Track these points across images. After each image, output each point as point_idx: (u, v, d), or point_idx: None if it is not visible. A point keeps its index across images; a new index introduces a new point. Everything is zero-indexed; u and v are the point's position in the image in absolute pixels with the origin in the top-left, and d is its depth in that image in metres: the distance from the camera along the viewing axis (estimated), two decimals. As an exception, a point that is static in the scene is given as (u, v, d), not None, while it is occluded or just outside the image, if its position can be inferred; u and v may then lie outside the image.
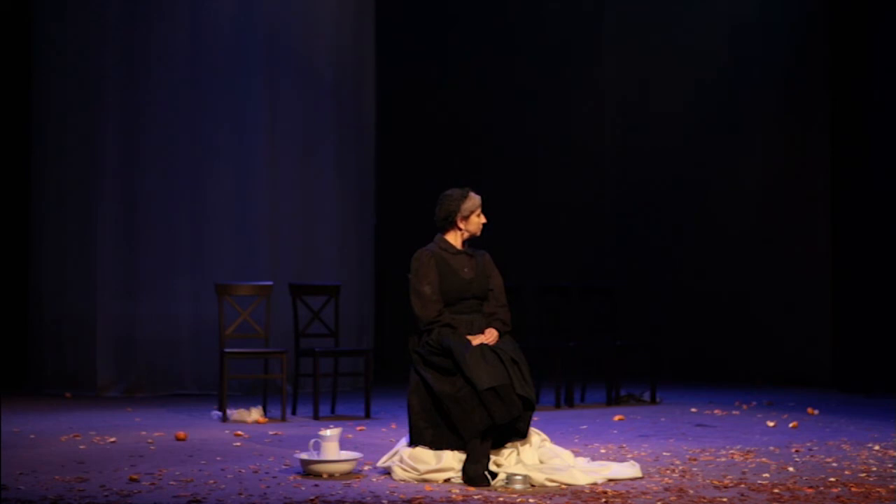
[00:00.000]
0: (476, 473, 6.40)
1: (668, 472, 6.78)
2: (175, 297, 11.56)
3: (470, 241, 7.01)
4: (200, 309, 11.40)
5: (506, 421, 6.47)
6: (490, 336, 6.71)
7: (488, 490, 6.24)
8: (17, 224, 11.96)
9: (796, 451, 7.63)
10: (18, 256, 11.92)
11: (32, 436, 8.28)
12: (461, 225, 6.92)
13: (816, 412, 9.97)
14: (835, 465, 7.06)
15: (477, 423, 6.45)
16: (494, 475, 6.42)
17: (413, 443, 6.62)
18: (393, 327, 12.70)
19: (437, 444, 6.57)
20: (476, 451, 6.45)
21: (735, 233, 13.41)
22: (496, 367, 6.47)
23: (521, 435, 6.65)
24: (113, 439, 8.09)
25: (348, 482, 6.44)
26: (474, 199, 6.93)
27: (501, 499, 5.99)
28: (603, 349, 10.94)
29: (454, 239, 6.94)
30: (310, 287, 10.40)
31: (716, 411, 10.12)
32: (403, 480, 6.48)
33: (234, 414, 9.48)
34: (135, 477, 6.50)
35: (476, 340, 6.65)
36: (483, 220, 6.96)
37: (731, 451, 7.61)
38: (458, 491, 6.18)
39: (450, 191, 6.96)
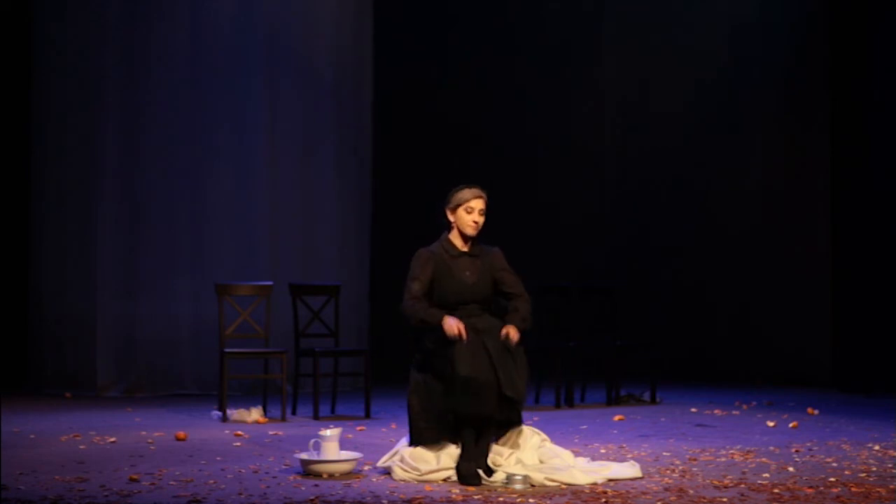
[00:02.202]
0: (469, 472, 6.40)
1: (668, 472, 6.78)
2: (175, 297, 11.56)
3: (479, 239, 6.81)
4: (200, 309, 11.40)
5: (468, 413, 6.40)
6: (513, 334, 6.55)
7: (488, 490, 6.24)
8: (17, 224, 11.95)
9: (796, 451, 7.64)
10: (18, 256, 11.92)
11: (32, 436, 8.28)
12: (451, 218, 6.77)
13: (816, 412, 9.97)
14: (835, 465, 7.06)
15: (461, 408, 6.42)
16: (492, 471, 6.42)
17: (413, 443, 6.62)
18: (393, 327, 12.69)
19: (437, 440, 6.56)
20: (470, 449, 6.46)
21: (735, 233, 13.41)
22: (481, 362, 6.42)
23: (511, 424, 6.62)
24: (113, 439, 8.09)
25: (348, 482, 6.44)
26: (464, 193, 6.74)
27: (501, 499, 5.99)
28: (603, 349, 10.94)
29: (457, 238, 6.80)
30: (310, 287, 10.40)
31: (716, 411, 10.12)
32: (403, 480, 6.48)
33: (234, 414, 9.48)
34: (135, 477, 6.51)
35: (450, 331, 6.47)
36: (473, 216, 6.72)
37: (731, 451, 7.61)
38: (458, 491, 6.18)
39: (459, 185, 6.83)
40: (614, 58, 14.22)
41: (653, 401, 10.88)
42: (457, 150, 13.71)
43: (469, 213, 6.74)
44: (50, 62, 11.73)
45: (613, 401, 10.81)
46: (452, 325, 6.48)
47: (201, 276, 11.42)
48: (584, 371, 10.94)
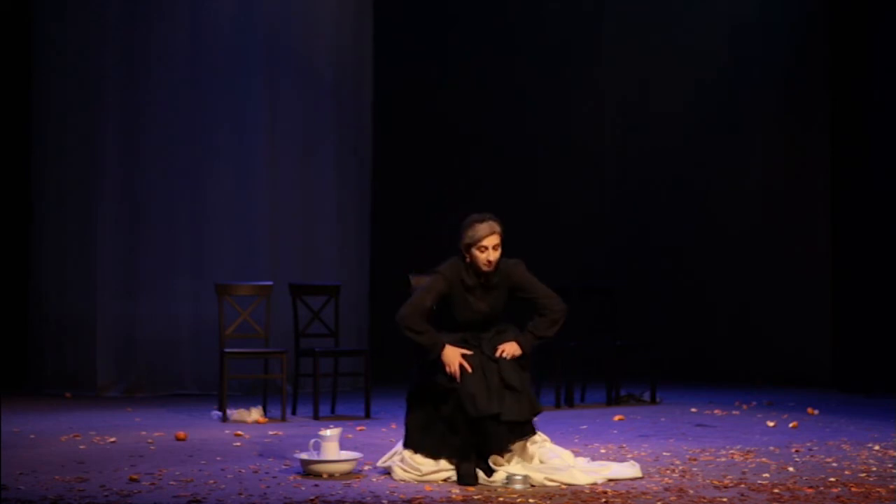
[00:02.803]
0: (467, 472, 6.40)
1: (668, 472, 6.78)
2: (175, 297, 11.56)
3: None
4: (200, 309, 11.40)
5: (483, 451, 6.45)
6: (511, 349, 6.55)
7: (488, 490, 6.24)
8: (17, 224, 11.95)
9: (796, 451, 7.64)
10: (18, 256, 11.91)
11: (32, 436, 8.29)
12: (465, 253, 6.61)
13: (816, 412, 9.97)
14: (835, 465, 7.06)
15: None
16: (492, 471, 6.42)
17: (407, 447, 6.61)
18: (393, 327, 12.68)
19: (433, 454, 6.55)
20: (468, 449, 6.46)
21: (735, 233, 13.40)
22: (486, 395, 6.38)
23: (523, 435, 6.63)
24: (113, 439, 8.10)
25: (348, 482, 6.44)
26: (476, 232, 6.52)
27: (501, 499, 6.00)
28: (603, 349, 10.93)
29: (473, 269, 6.61)
30: (310, 287, 10.40)
31: (716, 411, 10.12)
32: (403, 480, 6.48)
33: (234, 414, 9.48)
34: (135, 477, 6.51)
35: (451, 366, 6.47)
36: (487, 255, 6.52)
37: (731, 451, 7.61)
38: (458, 491, 6.19)
39: (473, 215, 6.64)
40: (614, 58, 14.20)
41: (653, 401, 10.88)
42: (457, 150, 13.71)
43: (482, 252, 6.56)
44: (50, 62, 11.73)
45: (613, 401, 10.80)
46: (454, 363, 6.44)
47: (201, 276, 11.42)
48: (584, 371, 10.94)
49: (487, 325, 6.68)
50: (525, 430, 6.57)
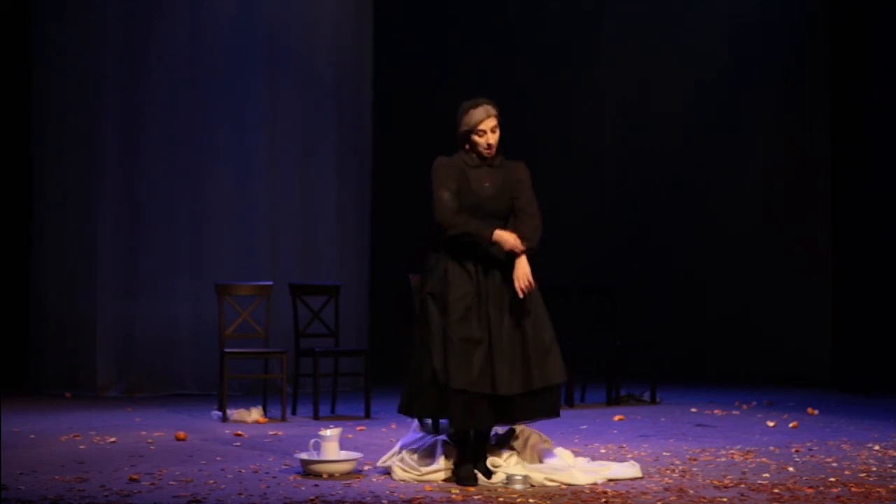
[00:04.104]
0: (467, 474, 6.39)
1: (668, 472, 6.78)
2: (175, 297, 11.56)
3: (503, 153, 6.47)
4: (200, 309, 11.41)
5: (460, 429, 6.34)
6: (522, 272, 6.28)
7: (489, 490, 6.24)
8: (17, 224, 11.95)
9: (796, 451, 7.64)
10: (19, 256, 11.91)
11: (32, 436, 8.29)
12: (466, 143, 6.48)
13: (816, 412, 9.97)
14: (835, 465, 7.06)
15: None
16: (491, 474, 6.42)
17: (401, 412, 6.57)
18: (393, 327, 12.69)
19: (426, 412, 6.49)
20: (468, 451, 6.45)
21: (735, 233, 13.41)
22: (479, 367, 6.27)
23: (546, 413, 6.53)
24: (113, 439, 8.10)
25: (348, 482, 6.44)
26: (470, 118, 6.40)
27: (501, 499, 6.00)
28: (603, 349, 10.93)
29: (475, 153, 6.48)
30: (310, 287, 10.40)
31: (716, 411, 10.12)
32: (403, 480, 6.48)
33: (234, 414, 9.48)
34: (135, 477, 6.51)
35: (508, 243, 6.23)
36: (486, 139, 6.41)
37: (731, 451, 7.61)
38: (457, 491, 6.19)
39: (466, 101, 6.47)
40: (614, 58, 14.20)
41: (653, 401, 10.88)
42: (457, 150, 13.69)
43: (481, 136, 6.45)
44: (50, 62, 11.73)
45: (613, 401, 10.81)
46: (510, 238, 6.25)
47: (201, 276, 11.42)
48: (584, 371, 10.93)
49: (495, 220, 6.43)
50: (520, 410, 6.45)
